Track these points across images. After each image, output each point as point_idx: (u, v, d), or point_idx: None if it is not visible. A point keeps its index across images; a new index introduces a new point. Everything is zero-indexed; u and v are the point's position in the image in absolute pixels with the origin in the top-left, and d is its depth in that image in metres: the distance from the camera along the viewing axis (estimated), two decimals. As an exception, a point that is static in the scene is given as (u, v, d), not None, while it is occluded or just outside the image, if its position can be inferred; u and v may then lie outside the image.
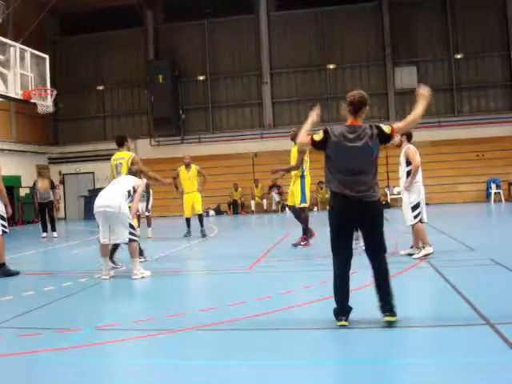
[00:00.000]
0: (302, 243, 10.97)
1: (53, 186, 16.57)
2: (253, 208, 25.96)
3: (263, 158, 26.83)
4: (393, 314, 4.77)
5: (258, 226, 20.24)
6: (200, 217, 14.38)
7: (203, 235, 13.97)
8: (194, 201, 14.32)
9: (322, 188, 24.99)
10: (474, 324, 4.78)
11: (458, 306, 5.43)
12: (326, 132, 4.96)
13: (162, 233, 15.67)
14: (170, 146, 28.23)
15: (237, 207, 26.29)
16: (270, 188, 25.92)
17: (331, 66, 27.46)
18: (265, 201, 26.04)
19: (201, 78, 28.44)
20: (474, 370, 3.79)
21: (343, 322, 4.86)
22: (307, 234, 11.07)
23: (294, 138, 11.33)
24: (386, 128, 4.97)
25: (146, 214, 14.73)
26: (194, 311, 5.82)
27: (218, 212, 25.86)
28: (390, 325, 4.74)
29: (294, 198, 11.17)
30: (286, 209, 25.16)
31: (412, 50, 26.58)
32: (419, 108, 5.07)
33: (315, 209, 25.13)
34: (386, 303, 4.82)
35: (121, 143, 9.54)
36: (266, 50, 27.70)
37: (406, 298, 5.07)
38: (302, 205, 11.09)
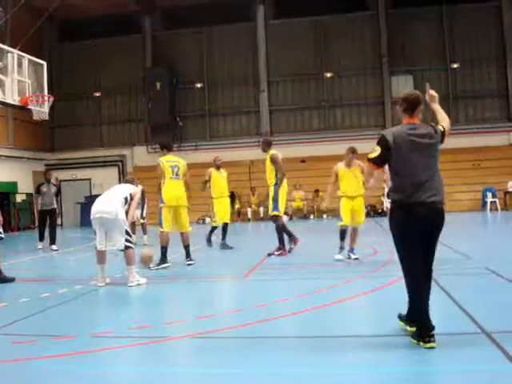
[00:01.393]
0: (276, 253, 10.92)
1: (58, 192, 15.22)
2: (249, 216, 25.96)
3: (260, 165, 26.82)
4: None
5: (254, 234, 20.23)
6: (226, 226, 13.14)
7: (226, 247, 12.77)
8: (225, 206, 13.08)
9: (318, 196, 25.04)
10: (470, 333, 4.78)
11: (454, 315, 5.43)
12: (383, 143, 4.54)
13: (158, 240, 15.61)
14: (166, 153, 28.23)
15: (234, 199, 26.05)
16: (267, 196, 25.90)
17: (328, 75, 27.57)
18: (261, 208, 26.03)
19: (198, 85, 28.51)
20: (469, 379, 3.79)
21: (432, 344, 4.35)
22: (283, 242, 11.03)
23: (264, 150, 11.39)
24: (439, 126, 4.72)
25: (141, 221, 14.70)
26: (190, 319, 5.81)
27: (215, 219, 25.80)
28: (387, 334, 4.74)
29: (270, 206, 11.23)
30: (284, 216, 25.29)
31: (408, 59, 26.72)
32: (441, 111, 5.02)
33: (312, 217, 25.16)
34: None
35: (171, 148, 10.66)
36: (264, 58, 27.78)
37: (400, 307, 5.07)
38: (274, 212, 11.08)
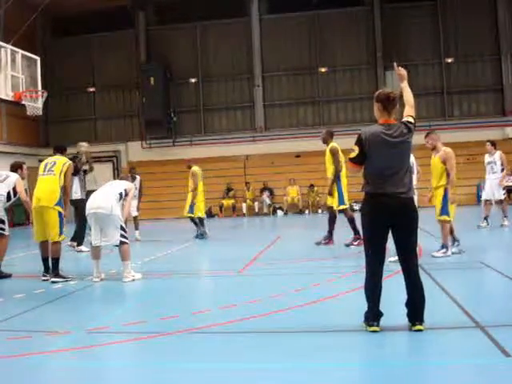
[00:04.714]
0: (354, 243, 10.73)
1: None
2: (244, 211, 25.96)
3: (255, 160, 26.87)
4: (422, 322, 4.68)
5: (249, 229, 20.24)
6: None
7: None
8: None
9: (313, 191, 25.05)
10: (465, 327, 4.79)
11: (448, 309, 5.46)
12: (360, 143, 4.80)
13: (152, 235, 15.65)
14: (161, 148, 28.20)
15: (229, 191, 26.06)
16: (262, 191, 25.93)
17: (323, 70, 27.54)
18: (256, 203, 26.04)
19: (193, 80, 28.44)
20: (464, 373, 3.80)
21: (374, 328, 4.70)
22: (358, 232, 10.66)
23: (325, 141, 11.21)
24: (412, 119, 4.89)
25: (135, 213, 14.57)
26: (185, 314, 5.81)
27: (209, 215, 25.81)
28: (380, 329, 4.75)
29: (332, 199, 10.97)
30: (278, 211, 25.36)
31: (403, 54, 26.68)
32: (407, 90, 5.11)
33: (306, 211, 25.16)
34: (417, 312, 4.72)
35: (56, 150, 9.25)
36: (258, 52, 27.73)
37: (395, 301, 5.09)
38: (341, 207, 10.92)
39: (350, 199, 23.51)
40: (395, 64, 5.33)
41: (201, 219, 14.17)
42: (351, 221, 10.90)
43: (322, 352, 4.43)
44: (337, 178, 10.87)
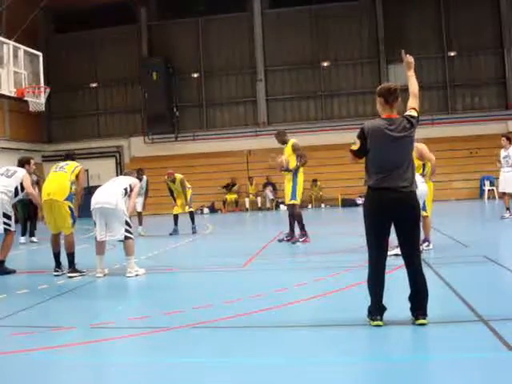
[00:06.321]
0: (300, 239, 10.90)
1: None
2: (247, 205, 25.97)
3: (257, 155, 26.84)
4: (425, 316, 4.68)
5: (252, 224, 20.24)
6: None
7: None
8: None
9: (316, 186, 25.03)
10: (468, 321, 4.79)
11: (452, 303, 5.45)
12: (362, 136, 4.82)
13: (156, 230, 15.67)
14: (164, 143, 28.23)
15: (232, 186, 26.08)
16: (264, 186, 25.92)
17: (325, 64, 27.52)
18: (259, 198, 26.04)
19: (195, 75, 28.44)
20: (468, 367, 3.80)
21: (378, 322, 4.69)
22: (305, 229, 10.96)
23: (282, 141, 11.27)
24: (415, 112, 4.90)
25: (140, 209, 14.61)
26: (188, 309, 5.82)
27: (212, 210, 25.85)
28: (384, 323, 4.75)
29: (285, 194, 11.16)
30: (281, 206, 25.35)
31: (406, 48, 26.26)
32: (413, 79, 5.12)
33: (309, 206, 25.15)
34: (420, 306, 4.71)
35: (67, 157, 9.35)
36: (260, 47, 27.71)
37: (399, 296, 5.08)
38: (292, 201, 11.04)
39: (354, 193, 23.78)
40: (403, 52, 5.32)
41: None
42: (297, 218, 10.97)
43: (325, 346, 4.43)
44: (295, 173, 10.91)
